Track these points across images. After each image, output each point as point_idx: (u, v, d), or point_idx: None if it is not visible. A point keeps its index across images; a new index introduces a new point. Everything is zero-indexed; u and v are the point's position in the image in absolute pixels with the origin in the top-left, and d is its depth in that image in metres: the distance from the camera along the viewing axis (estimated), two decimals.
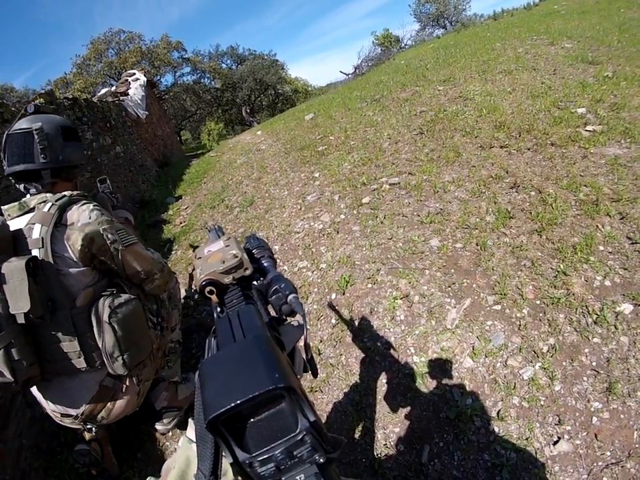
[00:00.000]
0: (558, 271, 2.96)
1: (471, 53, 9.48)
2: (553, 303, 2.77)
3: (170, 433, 2.82)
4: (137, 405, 2.31)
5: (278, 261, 4.15)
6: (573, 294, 2.78)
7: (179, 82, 29.84)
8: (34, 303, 1.69)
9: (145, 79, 13.53)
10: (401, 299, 3.16)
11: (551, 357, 2.51)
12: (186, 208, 7.02)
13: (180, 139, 29.08)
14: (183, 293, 4.27)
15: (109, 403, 2.14)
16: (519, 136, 4.80)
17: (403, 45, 23.35)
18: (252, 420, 0.57)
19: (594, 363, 2.41)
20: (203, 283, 0.99)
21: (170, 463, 0.88)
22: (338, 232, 4.24)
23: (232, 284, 1.02)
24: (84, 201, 2.02)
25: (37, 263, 1.78)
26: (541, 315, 2.75)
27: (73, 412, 2.10)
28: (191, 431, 0.86)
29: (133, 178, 8.44)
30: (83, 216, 1.92)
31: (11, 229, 1.88)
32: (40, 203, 1.93)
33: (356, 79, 15.51)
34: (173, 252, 5.44)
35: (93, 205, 2.00)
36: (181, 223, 6.32)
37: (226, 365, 0.62)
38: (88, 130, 6.82)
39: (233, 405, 0.52)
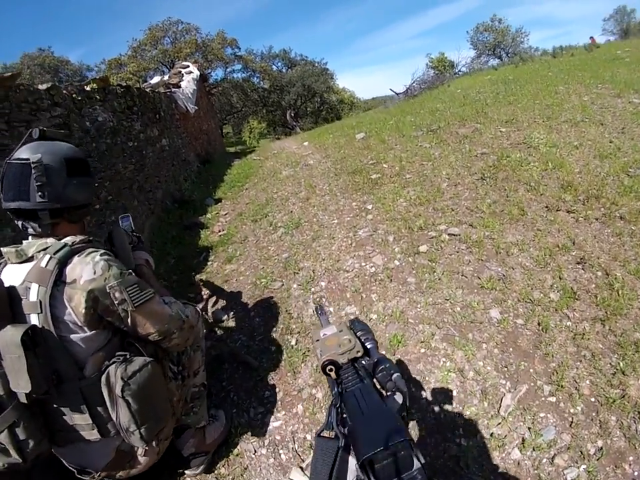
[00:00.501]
0: (617, 369, 2.69)
1: (532, 94, 9.18)
2: (607, 403, 2.50)
3: (198, 478, 2.57)
4: (157, 459, 2.10)
5: (324, 300, 3.92)
6: (629, 396, 2.50)
7: (229, 77, 30.00)
8: (35, 382, 1.50)
9: (198, 73, 13.46)
10: (455, 372, 2.91)
11: (597, 460, 2.25)
12: (225, 214, 6.81)
13: (221, 132, 29.17)
14: (223, 317, 4.05)
15: (127, 464, 1.95)
16: (587, 201, 4.45)
17: (457, 70, 22.98)
18: (380, 463, 0.85)
19: (636, 473, 2.16)
20: (325, 363, 1.27)
21: None
22: (391, 280, 3.94)
23: (346, 363, 1.29)
24: (89, 250, 1.73)
25: (36, 332, 1.56)
26: (593, 414, 2.47)
27: (90, 470, 1.88)
28: None
29: (174, 173, 8.29)
30: (86, 270, 1.64)
31: (8, 282, 1.66)
32: (39, 252, 1.68)
33: (407, 101, 15.23)
34: (209, 263, 5.21)
35: (100, 255, 1.71)
36: (219, 231, 6.09)
37: (365, 425, 0.96)
38: (137, 120, 6.66)
39: (379, 449, 0.84)
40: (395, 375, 1.18)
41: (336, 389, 1.21)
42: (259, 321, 3.91)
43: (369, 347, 1.37)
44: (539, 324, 3.12)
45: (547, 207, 4.53)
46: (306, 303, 3.95)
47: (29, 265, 1.67)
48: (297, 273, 4.43)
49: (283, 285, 4.30)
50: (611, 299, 3.17)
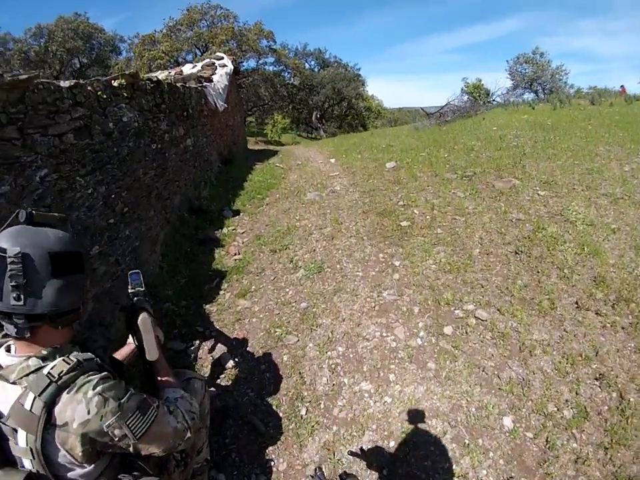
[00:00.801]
0: None
1: (572, 151, 8.83)
2: None
3: None
4: None
5: (339, 369, 3.68)
6: None
7: (260, 69, 29.68)
8: None
9: (232, 67, 13.17)
10: (458, 477, 2.80)
11: None
12: (243, 233, 6.57)
13: (244, 123, 28.87)
14: (229, 363, 3.81)
15: None
16: (617, 304, 4.15)
17: (491, 99, 22.56)
18: None
19: None
20: None
21: None
22: (411, 361, 3.69)
23: None
24: (80, 383, 1.42)
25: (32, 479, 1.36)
26: None
27: None
28: None
29: (195, 176, 8.02)
30: (78, 411, 1.36)
31: None
32: (21, 378, 1.39)
33: (440, 127, 14.86)
34: (221, 292, 4.96)
35: (93, 388, 1.41)
36: (235, 254, 5.84)
37: None
38: (164, 119, 6.35)
39: None
40: None
41: None
42: (269, 377, 3.69)
43: None
44: (547, 440, 2.96)
45: (577, 303, 4.24)
46: (320, 369, 3.71)
47: (12, 392, 1.39)
48: (315, 330, 4.17)
49: (298, 340, 4.05)
50: (619, 426, 2.99)
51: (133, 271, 2.28)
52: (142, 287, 2.19)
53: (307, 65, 33.33)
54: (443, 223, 6.04)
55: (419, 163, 9.17)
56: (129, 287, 2.16)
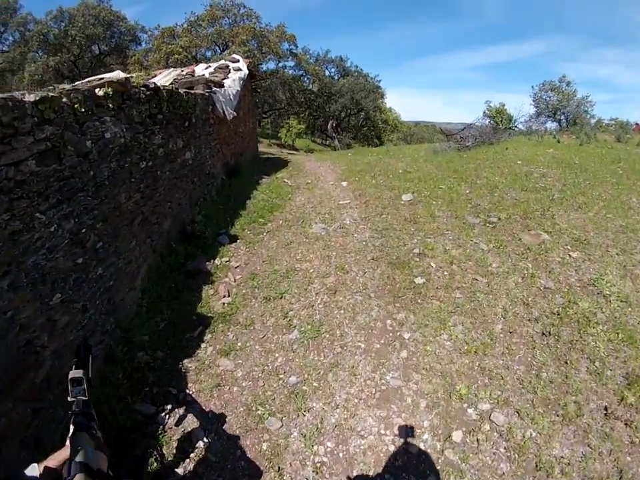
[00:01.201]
0: None
1: (604, 200, 8.08)
2: None
3: None
4: None
5: (324, 469, 3.11)
6: None
7: (279, 72, 29.02)
8: None
9: (247, 72, 12.55)
10: None
11: None
12: (237, 267, 5.97)
13: (259, 124, 28.24)
14: (200, 443, 3.26)
15: None
16: None
17: (513, 125, 21.76)
18: None
19: None
20: None
21: None
22: (409, 472, 3.04)
23: None
24: None
25: None
26: None
27: None
28: None
29: (192, 194, 7.38)
30: None
31: None
32: None
33: (461, 155, 14.07)
34: (202, 346, 4.34)
35: None
36: (224, 296, 5.23)
37: None
38: (159, 132, 5.71)
39: None
40: None
41: None
42: (243, 466, 3.12)
43: None
44: None
45: (606, 409, 3.51)
46: (303, 466, 3.10)
47: None
48: (303, 415, 3.52)
49: (282, 426, 3.42)
50: None
51: (74, 373, 1.74)
52: (85, 397, 1.70)
53: (326, 72, 32.77)
54: (462, 283, 5.31)
55: (437, 198, 8.49)
56: (69, 395, 1.70)
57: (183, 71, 12.02)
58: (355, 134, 35.11)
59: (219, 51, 26.23)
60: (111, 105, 4.28)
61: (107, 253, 4.14)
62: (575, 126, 21.08)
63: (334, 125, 32.18)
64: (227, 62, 12.50)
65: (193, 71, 11.75)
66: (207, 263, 5.98)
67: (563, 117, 23.60)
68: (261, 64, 25.73)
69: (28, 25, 30.33)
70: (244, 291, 5.37)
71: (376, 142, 36.38)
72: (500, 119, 21.51)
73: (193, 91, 7.89)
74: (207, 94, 8.53)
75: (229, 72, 11.33)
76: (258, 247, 6.71)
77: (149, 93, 5.34)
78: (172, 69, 13.20)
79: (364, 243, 6.72)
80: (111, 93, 4.25)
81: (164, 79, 10.52)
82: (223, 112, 9.42)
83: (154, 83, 5.79)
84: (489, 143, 15.40)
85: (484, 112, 22.61)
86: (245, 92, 13.03)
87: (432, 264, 5.82)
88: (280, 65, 28.97)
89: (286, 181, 11.41)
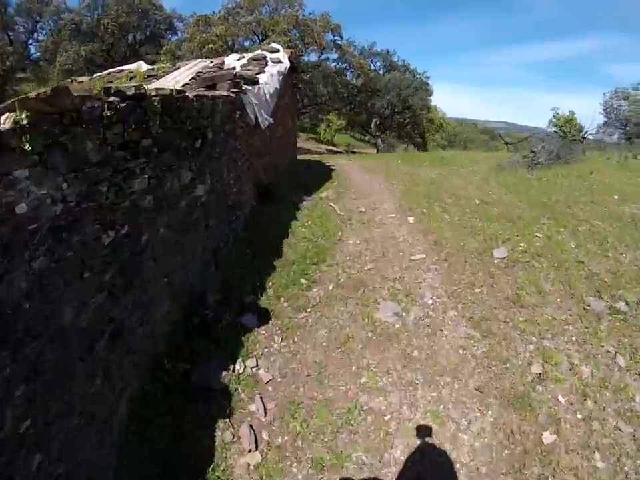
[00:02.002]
0: None
1: None
2: None
3: None
4: None
5: None
6: None
7: (322, 64, 26.11)
8: None
9: (288, 65, 9.81)
10: None
11: None
12: (268, 382, 3.69)
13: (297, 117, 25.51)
14: None
15: None
16: None
17: (583, 136, 18.53)
18: None
19: None
20: None
21: None
22: None
23: None
24: None
25: None
26: None
27: None
28: None
29: (205, 243, 4.82)
30: None
31: None
32: None
33: (539, 179, 11.15)
34: None
35: None
36: (249, 451, 3.04)
37: None
38: (144, 169, 3.17)
39: None
40: None
41: None
42: None
43: None
44: None
45: None
46: None
47: None
48: None
49: None
50: None
51: None
52: None
53: (371, 66, 29.61)
54: (603, 438, 3.26)
55: (539, 256, 6.03)
56: None
57: (211, 62, 9.34)
58: (398, 133, 32.02)
59: (257, 40, 23.42)
60: (28, 146, 1.89)
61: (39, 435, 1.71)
62: None
63: (377, 123, 29.16)
64: (264, 52, 9.79)
65: (222, 63, 9.06)
66: (223, 370, 3.57)
67: (634, 130, 20.03)
68: (303, 55, 22.90)
69: (62, 15, 28.59)
70: (280, 441, 3.14)
71: (418, 141, 33.38)
72: (569, 130, 18.44)
73: (212, 93, 5.22)
74: (233, 95, 5.85)
75: (266, 64, 8.64)
76: (300, 337, 4.32)
77: (123, 105, 2.73)
78: (200, 60, 10.47)
79: (460, 351, 4.24)
80: (26, 120, 1.77)
81: (184, 73, 7.86)
82: (256, 118, 6.77)
83: (140, 87, 3.10)
84: (564, 162, 12.94)
85: (550, 121, 19.75)
86: (286, 88, 10.37)
87: (560, 398, 3.67)
88: (322, 56, 26.08)
89: (332, 205, 8.80)
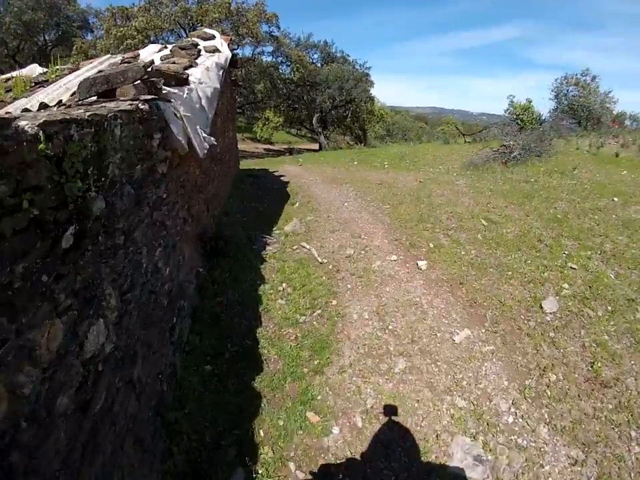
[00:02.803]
0: None
1: None
2: None
3: None
4: None
5: None
6: None
7: (257, 59, 22.84)
8: None
9: (228, 55, 6.92)
10: None
11: None
12: None
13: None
14: None
15: None
16: None
17: (540, 123, 16.90)
18: None
19: None
20: None
21: None
22: None
23: None
24: None
25: None
26: None
27: None
28: None
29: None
30: None
31: None
32: None
33: (527, 180, 9.61)
34: None
35: None
36: None
37: None
38: None
39: None
40: None
41: None
42: None
43: None
44: None
45: None
46: None
47: None
48: None
49: None
50: None
51: None
52: None
53: (309, 58, 26.42)
54: None
55: (587, 300, 4.75)
56: None
57: (124, 57, 6.23)
58: (344, 129, 29.12)
59: (184, 34, 19.81)
60: None
61: None
62: (600, 128, 17.05)
63: (319, 118, 26.27)
64: (196, 39, 6.78)
65: (136, 56, 5.97)
66: None
67: (583, 114, 18.75)
68: (237, 49, 19.67)
69: None
70: None
71: (358, 133, 30.95)
72: (528, 118, 16.74)
73: (99, 108, 2.37)
74: (144, 107, 2.96)
75: (199, 54, 5.66)
76: None
77: None
78: (108, 56, 7.22)
79: None
80: None
81: (83, 75, 4.82)
82: (189, 141, 3.89)
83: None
84: (535, 154, 11.58)
85: (506, 109, 18.07)
86: (226, 88, 7.50)
87: None
88: (258, 49, 22.81)
89: (306, 247, 6.31)
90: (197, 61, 5.26)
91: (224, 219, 6.45)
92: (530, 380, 3.79)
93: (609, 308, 4.57)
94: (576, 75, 19.36)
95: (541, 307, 4.67)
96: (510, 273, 5.41)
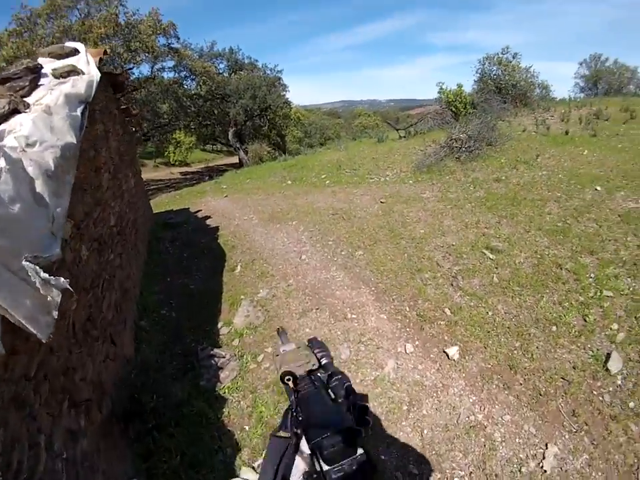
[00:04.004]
0: None
1: None
2: None
3: None
4: None
5: None
6: None
7: (157, 77, 19.54)
8: None
9: (96, 77, 4.16)
10: None
11: None
12: None
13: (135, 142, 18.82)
14: None
15: None
16: None
17: (473, 106, 15.52)
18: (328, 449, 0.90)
19: None
20: (284, 373, 1.23)
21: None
22: None
23: (303, 375, 1.24)
24: None
25: None
26: None
27: None
28: None
29: None
30: None
31: None
32: None
33: (500, 181, 8.09)
34: None
35: None
36: None
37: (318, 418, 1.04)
38: None
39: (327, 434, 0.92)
40: (347, 384, 1.17)
41: (292, 397, 1.21)
42: None
43: (324, 362, 1.32)
44: None
45: None
46: None
47: None
48: None
49: None
50: None
51: None
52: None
53: (216, 69, 23.24)
54: None
55: None
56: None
57: None
58: (255, 136, 26.22)
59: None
60: None
61: None
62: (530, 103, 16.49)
63: (235, 132, 23.39)
64: (43, 59, 4.12)
65: None
66: None
67: (511, 93, 17.84)
68: (132, 68, 16.34)
69: None
70: None
71: (277, 140, 28.45)
72: (461, 104, 15.44)
73: None
74: None
75: (33, 87, 3.03)
76: None
77: None
78: None
79: None
80: None
81: None
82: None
83: None
84: (487, 144, 9.97)
85: (437, 98, 16.83)
86: (111, 125, 4.95)
87: None
88: (157, 66, 19.56)
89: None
90: (29, 98, 2.70)
91: (142, 333, 3.99)
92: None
93: None
94: (497, 54, 18.30)
95: (607, 370, 3.44)
96: (554, 328, 3.98)
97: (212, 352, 3.90)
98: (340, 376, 1.21)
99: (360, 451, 0.91)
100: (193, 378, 3.72)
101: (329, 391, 1.18)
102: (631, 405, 3.11)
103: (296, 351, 1.35)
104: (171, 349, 4.14)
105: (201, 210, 10.04)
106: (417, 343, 4.03)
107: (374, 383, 3.59)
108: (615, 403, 3.16)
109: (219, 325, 4.61)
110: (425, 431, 3.14)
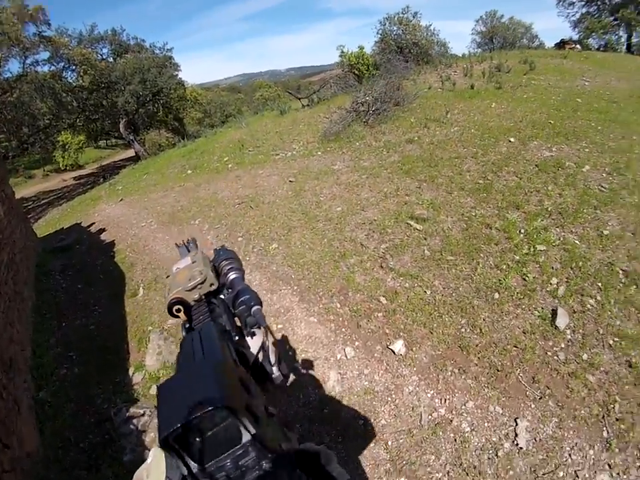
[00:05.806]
0: None
1: None
2: None
3: None
4: None
5: None
6: None
7: (30, 73, 17.23)
8: None
9: None
10: None
11: None
12: None
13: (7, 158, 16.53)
14: None
15: None
16: None
17: (377, 69, 15.33)
18: (204, 435, 0.59)
19: None
20: (172, 301, 0.96)
21: (142, 473, 0.70)
22: None
23: (199, 300, 0.98)
24: None
25: None
26: None
27: None
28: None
29: None
30: None
31: None
32: None
33: (420, 146, 7.62)
34: None
35: None
36: None
37: (179, 388, 0.65)
38: None
39: (178, 425, 0.56)
40: (254, 308, 0.92)
41: (183, 333, 0.93)
42: None
43: (232, 277, 1.05)
44: None
45: None
46: None
47: None
48: None
49: None
50: None
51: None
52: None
53: (98, 55, 20.98)
54: None
55: None
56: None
57: None
58: (150, 124, 24.26)
59: None
60: None
61: None
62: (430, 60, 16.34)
63: (126, 122, 21.41)
64: None
65: None
66: None
67: (413, 52, 17.52)
68: None
69: None
70: None
71: (175, 125, 26.65)
72: (364, 66, 15.40)
73: None
74: None
75: None
76: None
77: None
78: None
79: None
80: None
81: None
82: None
83: None
84: (394, 104, 9.77)
85: (338, 62, 16.51)
86: None
87: None
88: (28, 61, 17.18)
89: None
90: None
91: (45, 409, 3.28)
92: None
93: (601, 287, 3.70)
94: (397, 14, 17.96)
95: (556, 327, 3.41)
96: (497, 295, 3.84)
97: (128, 413, 3.18)
98: (248, 296, 0.95)
99: (246, 436, 0.62)
100: (114, 454, 3.05)
101: (235, 319, 0.96)
102: (584, 356, 3.13)
103: (189, 268, 1.05)
104: (81, 421, 3.38)
105: (94, 223, 8.93)
106: (356, 344, 3.63)
107: (319, 404, 3.16)
108: (570, 359, 3.16)
109: (130, 372, 3.89)
110: (390, 442, 2.85)
